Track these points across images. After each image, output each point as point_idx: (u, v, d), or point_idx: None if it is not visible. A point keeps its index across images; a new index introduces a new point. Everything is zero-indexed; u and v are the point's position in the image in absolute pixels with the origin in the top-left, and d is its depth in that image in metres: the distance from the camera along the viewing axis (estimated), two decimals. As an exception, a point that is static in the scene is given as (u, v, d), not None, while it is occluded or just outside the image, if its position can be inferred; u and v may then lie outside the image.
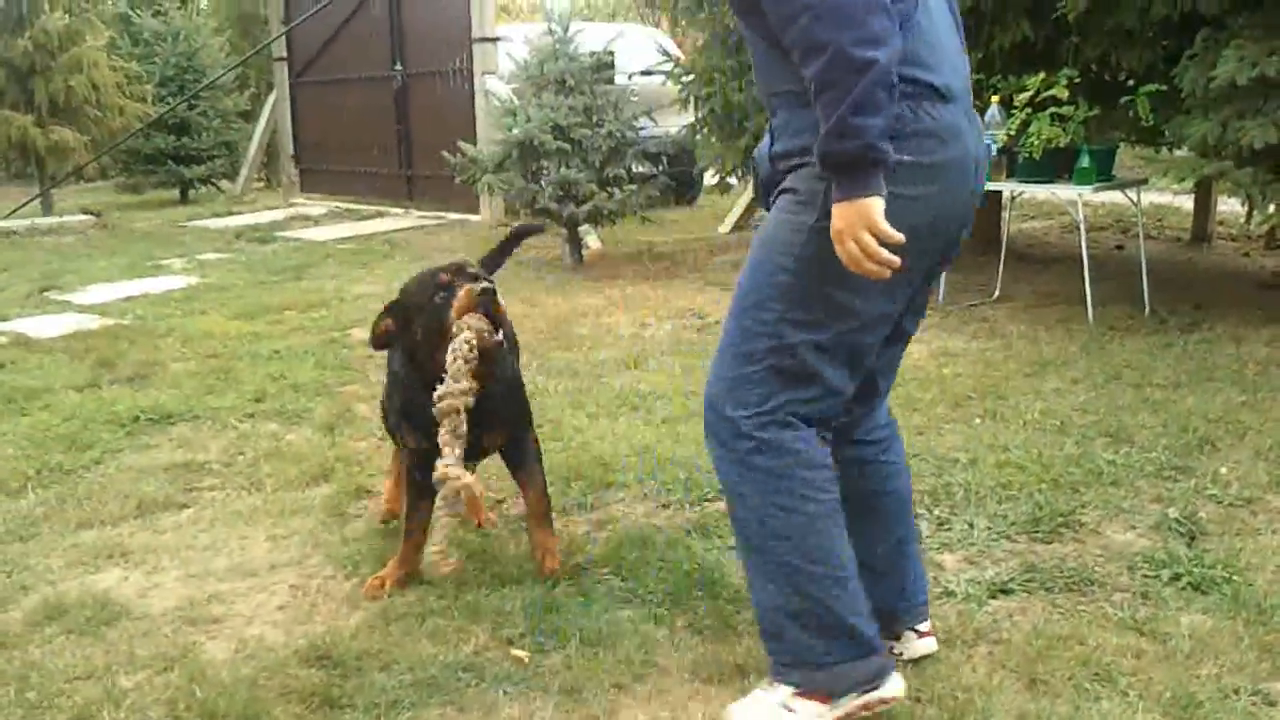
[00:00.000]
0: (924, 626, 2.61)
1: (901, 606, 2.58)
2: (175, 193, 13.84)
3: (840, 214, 2.01)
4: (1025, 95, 5.84)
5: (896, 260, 2.01)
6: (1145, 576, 2.99)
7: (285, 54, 13.10)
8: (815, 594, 2.25)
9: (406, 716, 2.41)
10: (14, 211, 10.44)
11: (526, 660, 2.62)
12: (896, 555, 2.58)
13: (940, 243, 2.23)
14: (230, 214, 11.94)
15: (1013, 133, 5.92)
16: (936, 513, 3.43)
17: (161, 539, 3.40)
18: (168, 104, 13.15)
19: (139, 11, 14.62)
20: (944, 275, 6.33)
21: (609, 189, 7.72)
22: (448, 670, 2.58)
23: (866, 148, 1.93)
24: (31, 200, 11.50)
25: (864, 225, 1.99)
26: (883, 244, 2.00)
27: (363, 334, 5.95)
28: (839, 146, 1.94)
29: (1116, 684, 2.47)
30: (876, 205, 1.98)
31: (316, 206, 12.36)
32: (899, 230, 2.01)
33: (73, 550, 3.32)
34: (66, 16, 12.17)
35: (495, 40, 10.35)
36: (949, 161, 2.14)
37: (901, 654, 2.56)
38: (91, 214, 11.53)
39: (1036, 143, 5.75)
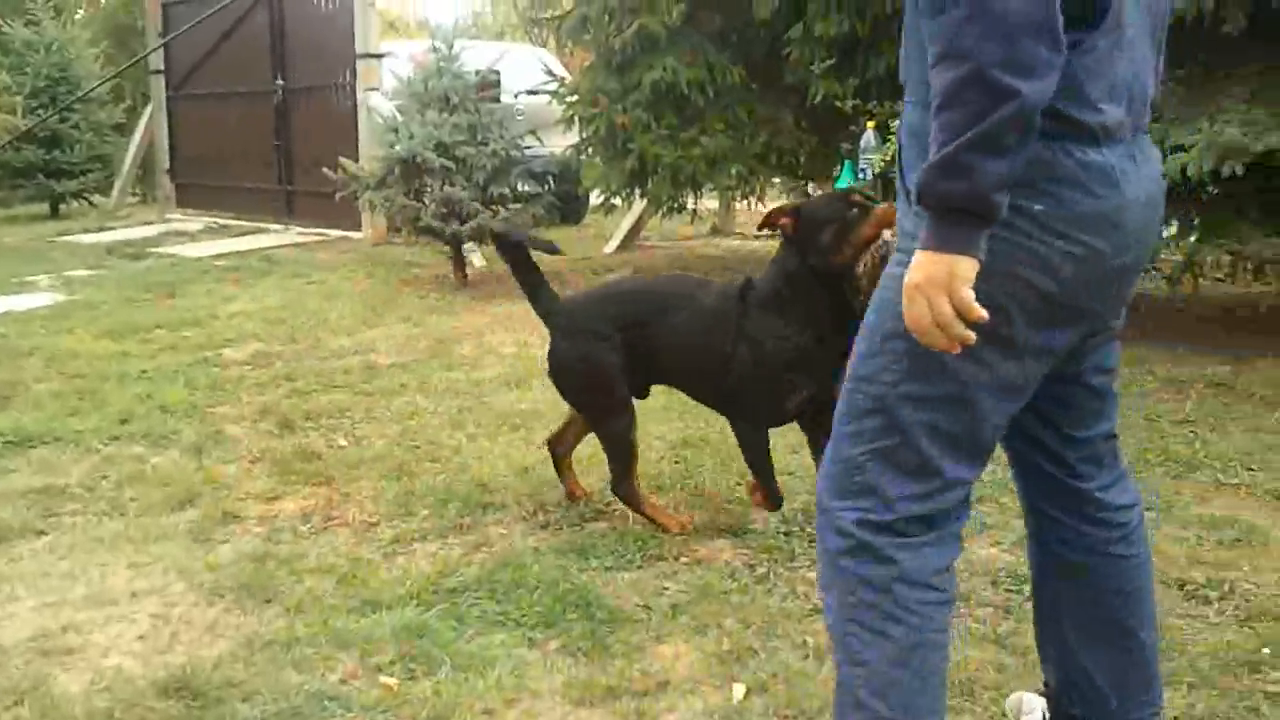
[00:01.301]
0: None
1: None
2: (45, 207, 13.39)
3: (920, 265, 1.64)
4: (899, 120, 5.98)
5: (972, 336, 1.65)
6: (1008, 591, 3.07)
7: (163, 67, 12.78)
8: None
9: (269, 748, 2.36)
10: None
11: (395, 687, 2.58)
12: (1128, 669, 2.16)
13: (1080, 309, 1.82)
14: (103, 229, 11.57)
15: (888, 158, 6.05)
16: (810, 530, 3.46)
17: (16, 567, 3.26)
18: (39, 116, 12.71)
19: (9, 21, 14.11)
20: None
21: (493, 207, 7.69)
22: (313, 699, 2.52)
23: (975, 195, 1.57)
24: None
25: (945, 288, 1.62)
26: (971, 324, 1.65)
27: (236, 353, 5.84)
28: (944, 184, 1.59)
29: (979, 698, 2.53)
30: (967, 267, 1.61)
31: (193, 222, 12.07)
32: (1025, 290, 1.72)
33: (-81, 580, 3.17)
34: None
35: (380, 56, 10.25)
36: (1094, 215, 1.73)
37: None
38: (-47, 229, 11.09)
39: (912, 168, 5.88)
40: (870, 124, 6.13)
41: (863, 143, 6.13)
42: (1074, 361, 1.95)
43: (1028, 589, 3.01)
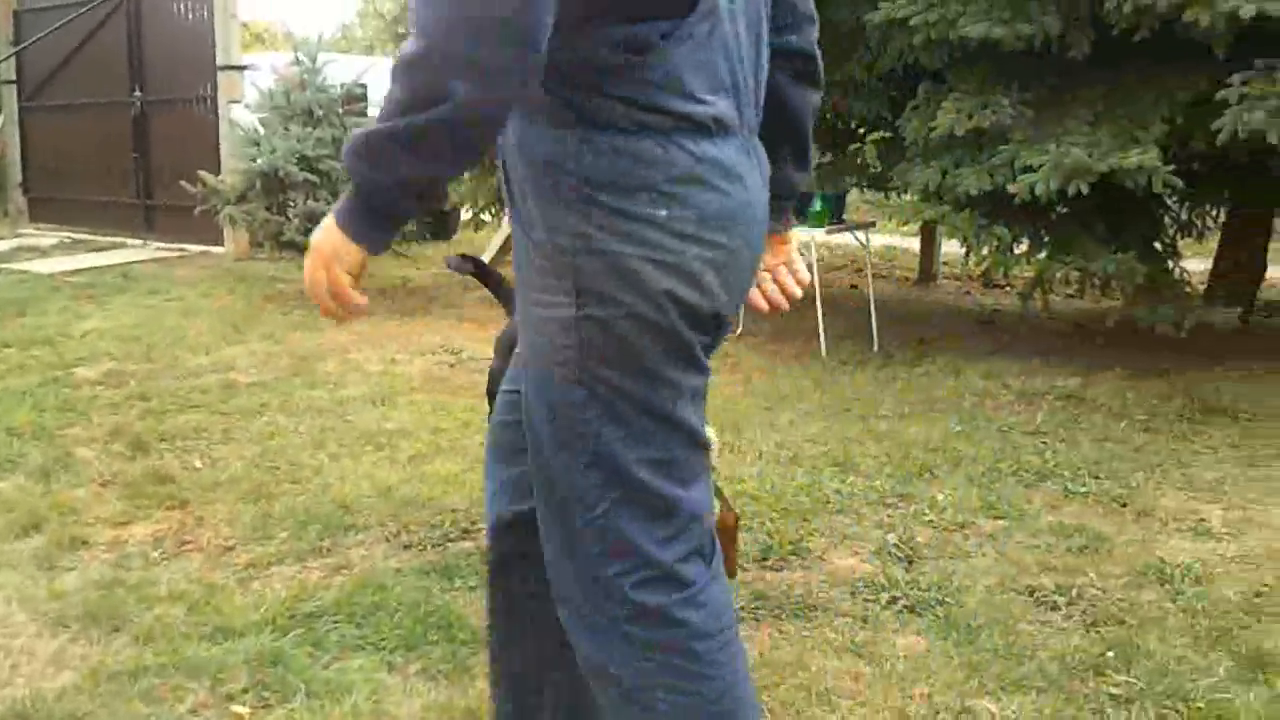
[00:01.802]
0: None
1: None
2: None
3: (325, 229, 1.55)
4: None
5: (356, 303, 1.58)
6: (866, 600, 3.14)
7: (14, 77, 12.29)
8: None
9: (112, 783, 2.27)
10: None
11: (247, 717, 2.51)
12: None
13: (724, 314, 1.70)
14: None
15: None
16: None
17: None
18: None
19: None
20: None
21: (359, 223, 7.59)
22: (161, 732, 2.44)
23: (378, 185, 1.49)
24: None
25: (327, 263, 1.55)
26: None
27: (88, 372, 5.64)
28: (357, 161, 1.48)
29: (836, 708, 2.58)
30: (353, 253, 1.53)
31: (47, 237, 11.62)
32: (655, 296, 1.58)
33: None
34: None
35: (242, 69, 10.03)
36: (722, 213, 1.61)
37: None
38: None
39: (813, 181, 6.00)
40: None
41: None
42: None
43: (884, 597, 3.11)
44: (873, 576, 3.28)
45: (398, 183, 1.48)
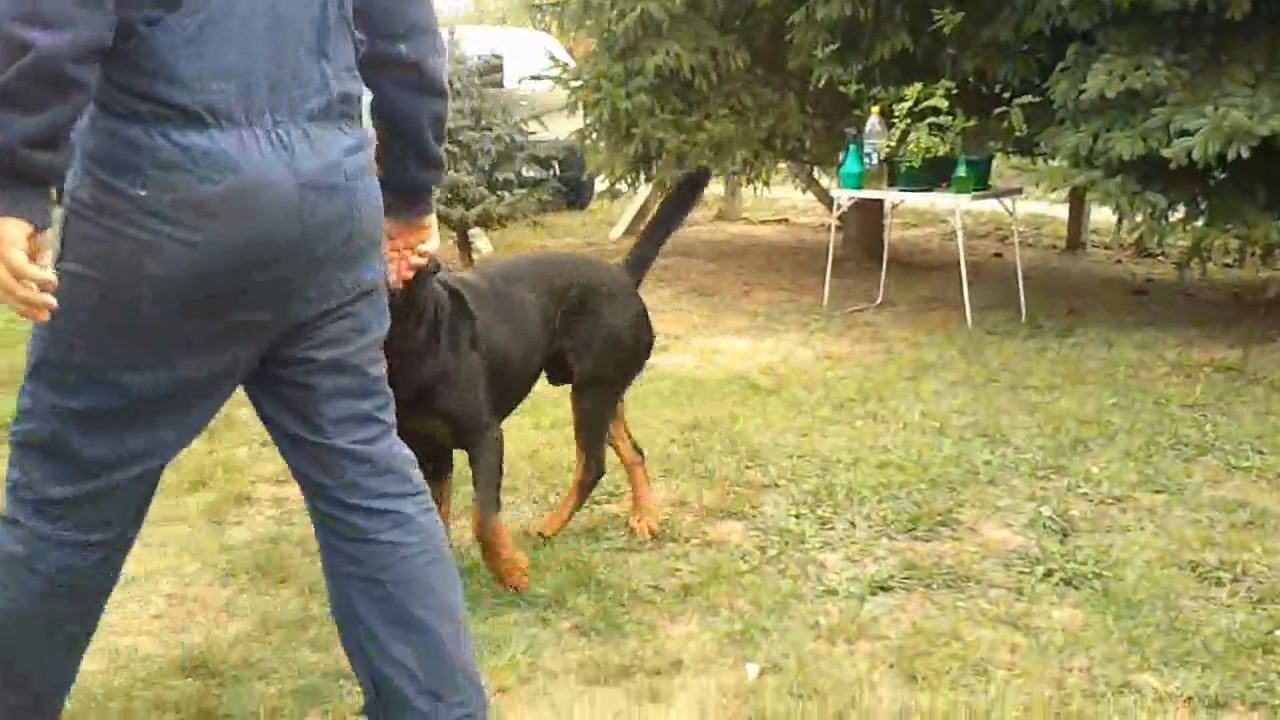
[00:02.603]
0: None
1: None
2: None
3: None
4: (905, 105, 5.98)
5: (46, 303, 1.60)
6: (1020, 573, 3.08)
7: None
8: None
9: (286, 725, 2.37)
10: None
11: (410, 666, 2.59)
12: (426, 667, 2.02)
13: (225, 294, 1.75)
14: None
15: (893, 143, 6.06)
16: (820, 512, 3.48)
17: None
18: None
19: None
20: (827, 281, 6.47)
21: (499, 193, 7.69)
22: (329, 679, 2.53)
23: (14, 152, 1.53)
24: None
25: (6, 245, 1.56)
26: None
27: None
28: None
29: (992, 678, 2.54)
30: (13, 229, 1.55)
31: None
32: (139, 280, 1.68)
33: (-67, 562, 3.17)
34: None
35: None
36: (206, 199, 1.67)
37: None
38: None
39: (916, 152, 5.89)
40: (875, 109, 6.13)
41: (868, 127, 6.14)
42: (292, 347, 1.88)
43: (1039, 570, 3.05)
44: (1026, 549, 3.22)
45: (13, 141, 1.53)
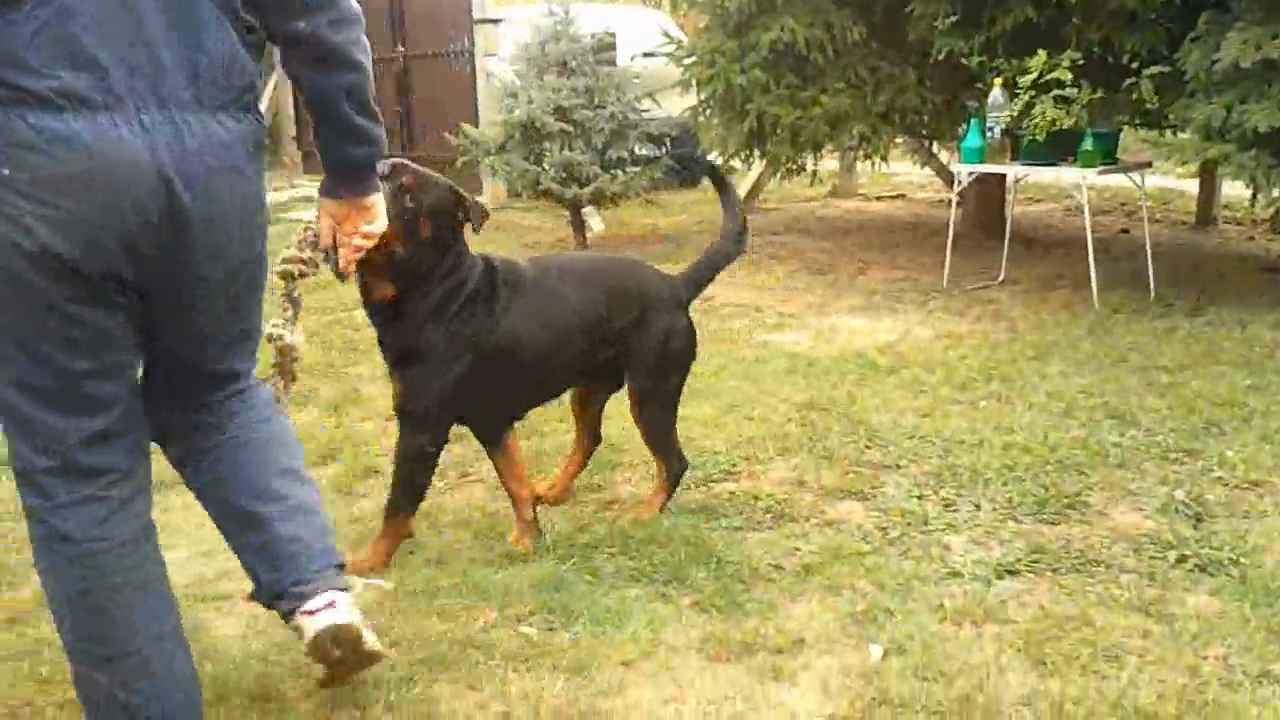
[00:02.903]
0: (313, 604, 2.21)
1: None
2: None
3: None
4: (1028, 78, 5.83)
5: None
6: (1152, 558, 3.00)
7: (286, 35, 13.04)
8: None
9: (417, 692, 2.42)
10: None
11: (535, 638, 2.63)
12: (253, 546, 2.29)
13: (93, 266, 1.88)
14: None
15: (1016, 115, 5.91)
16: (943, 494, 3.44)
17: (170, 517, 3.39)
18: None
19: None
20: (947, 258, 6.36)
21: (612, 171, 7.70)
22: (457, 647, 2.58)
23: None
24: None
25: None
26: None
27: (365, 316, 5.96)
28: None
29: (1124, 664, 2.49)
30: None
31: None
32: (18, 254, 1.82)
33: (80, 529, 3.31)
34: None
35: (497, 22, 10.30)
36: (62, 178, 1.81)
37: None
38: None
39: (1041, 125, 5.74)
40: (998, 81, 5.99)
41: (990, 100, 6.00)
42: (172, 314, 2.06)
43: (1171, 555, 2.97)
44: (1158, 533, 3.13)
45: None
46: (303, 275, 2.50)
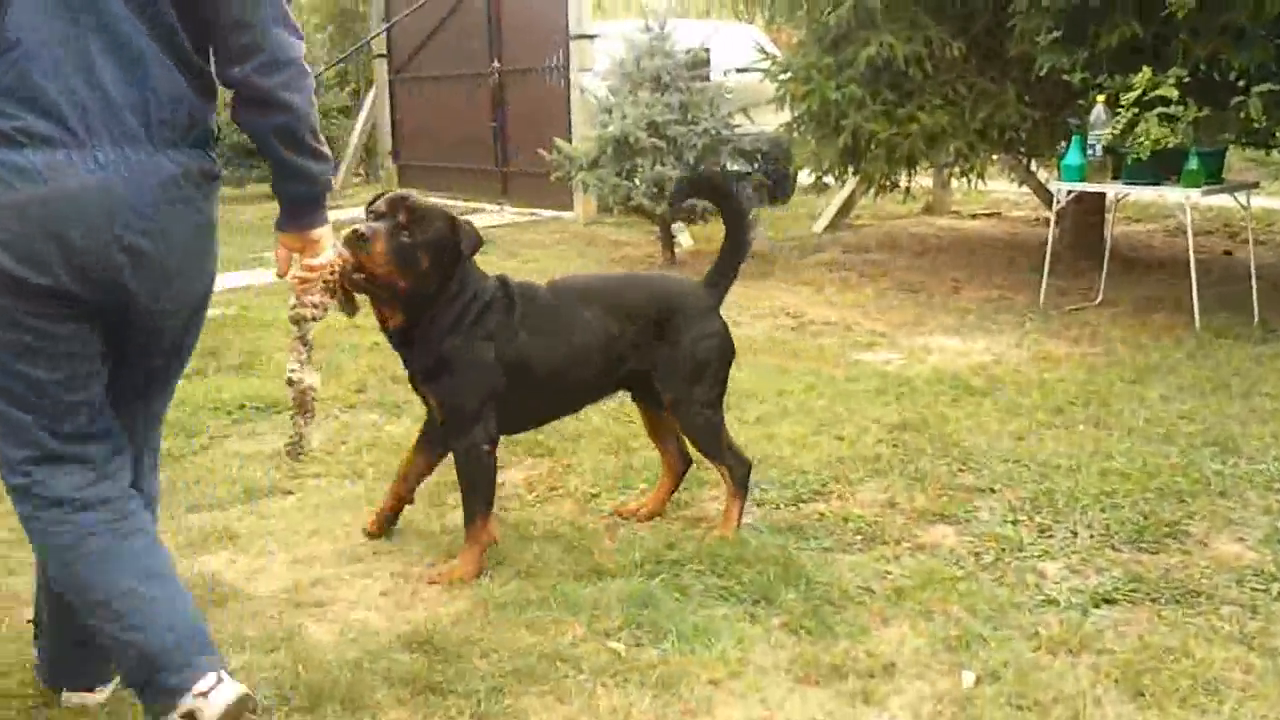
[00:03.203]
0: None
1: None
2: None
3: None
4: (1132, 94, 5.71)
5: None
6: (1254, 590, 2.92)
7: (385, 51, 13.31)
8: None
9: (506, 704, 2.45)
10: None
11: (623, 653, 2.64)
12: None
13: (49, 288, 2.06)
14: (329, 208, 12.10)
15: (1118, 132, 5.79)
16: (1038, 520, 3.38)
17: (267, 524, 3.48)
18: (270, 99, 13.40)
19: (244, 7, 14.91)
20: (1044, 277, 6.24)
21: (703, 187, 7.69)
22: (546, 660, 2.60)
23: None
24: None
25: None
26: None
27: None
28: None
29: (1224, 698, 2.43)
30: None
31: (412, 201, 12.50)
32: None
33: (183, 533, 3.41)
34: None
35: (592, 37, 10.39)
36: (19, 205, 2.01)
37: None
38: (196, 206, 11.81)
39: (1144, 143, 5.62)
40: (1100, 98, 5.88)
41: (1092, 117, 5.90)
42: (132, 338, 2.23)
43: (1275, 588, 2.89)
44: (1261, 565, 3.05)
45: None
46: (315, 319, 2.70)
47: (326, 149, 2.29)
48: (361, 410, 4.61)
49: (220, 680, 2.15)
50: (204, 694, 2.12)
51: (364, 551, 3.26)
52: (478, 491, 3.15)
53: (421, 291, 3.04)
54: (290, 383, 2.69)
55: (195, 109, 2.17)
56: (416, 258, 3.00)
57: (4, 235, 2.02)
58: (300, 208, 2.34)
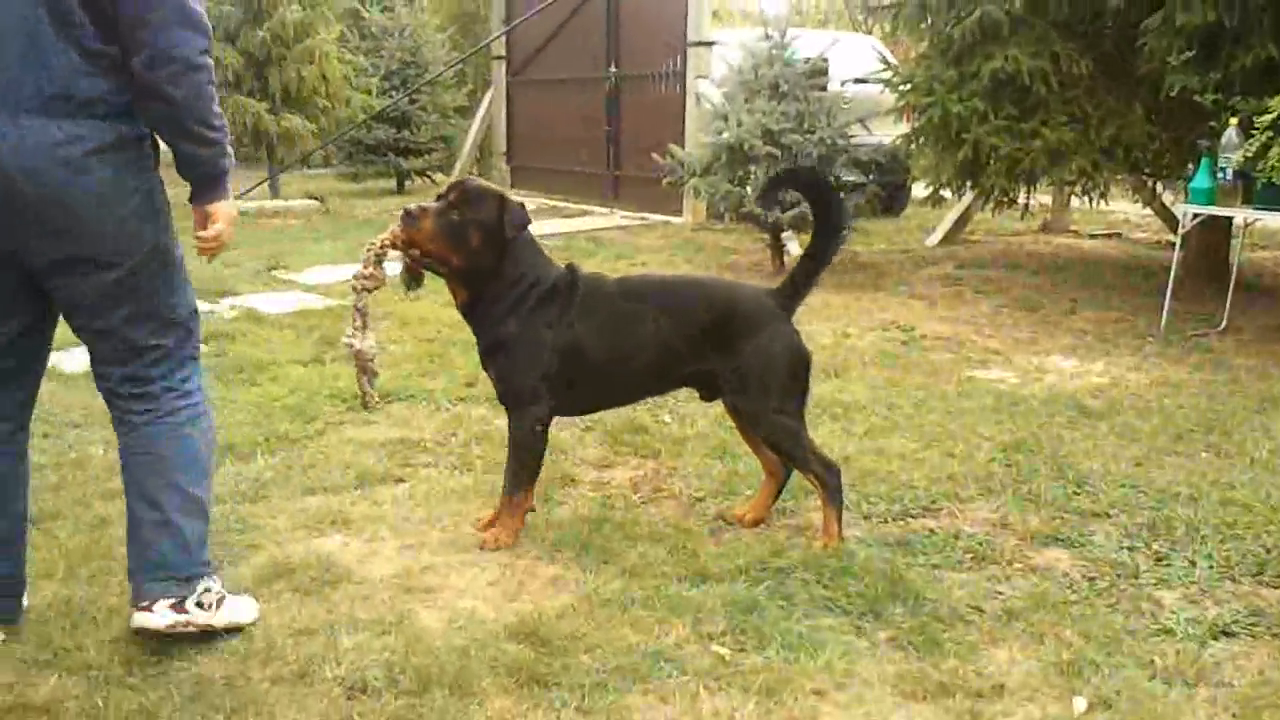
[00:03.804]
0: (142, 603, 2.65)
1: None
2: (392, 183, 14.40)
3: None
4: (1267, 118, 5.52)
5: None
6: None
7: (504, 53, 13.49)
8: None
9: (610, 700, 2.46)
10: (245, 193, 11.06)
11: (727, 657, 2.64)
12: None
13: None
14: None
15: (1250, 156, 5.61)
16: (1155, 547, 3.29)
17: (380, 510, 3.55)
18: (390, 97, 13.70)
19: (368, 7, 15.27)
20: (1167, 301, 6.08)
21: (817, 196, 7.63)
22: (650, 659, 2.61)
23: None
24: (261, 183, 12.18)
25: None
26: None
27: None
28: None
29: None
30: None
31: (526, 202, 12.58)
32: None
33: (298, 514, 3.50)
34: (301, 10, 12.83)
35: (710, 44, 10.40)
36: None
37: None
38: (315, 199, 12.11)
39: (1277, 167, 5.43)
40: (1233, 120, 5.71)
41: (1224, 139, 5.73)
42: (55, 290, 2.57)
43: None
44: None
45: None
46: (368, 289, 3.26)
47: (218, 135, 2.55)
48: (471, 404, 4.67)
49: None
50: None
51: (472, 542, 3.30)
52: (525, 466, 3.31)
53: (476, 268, 3.25)
54: (349, 347, 3.18)
55: (94, 85, 2.44)
56: (466, 234, 3.22)
57: None
58: (197, 186, 2.62)
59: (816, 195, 3.58)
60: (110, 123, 2.48)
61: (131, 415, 2.66)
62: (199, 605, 2.65)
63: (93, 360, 2.70)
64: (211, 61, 2.50)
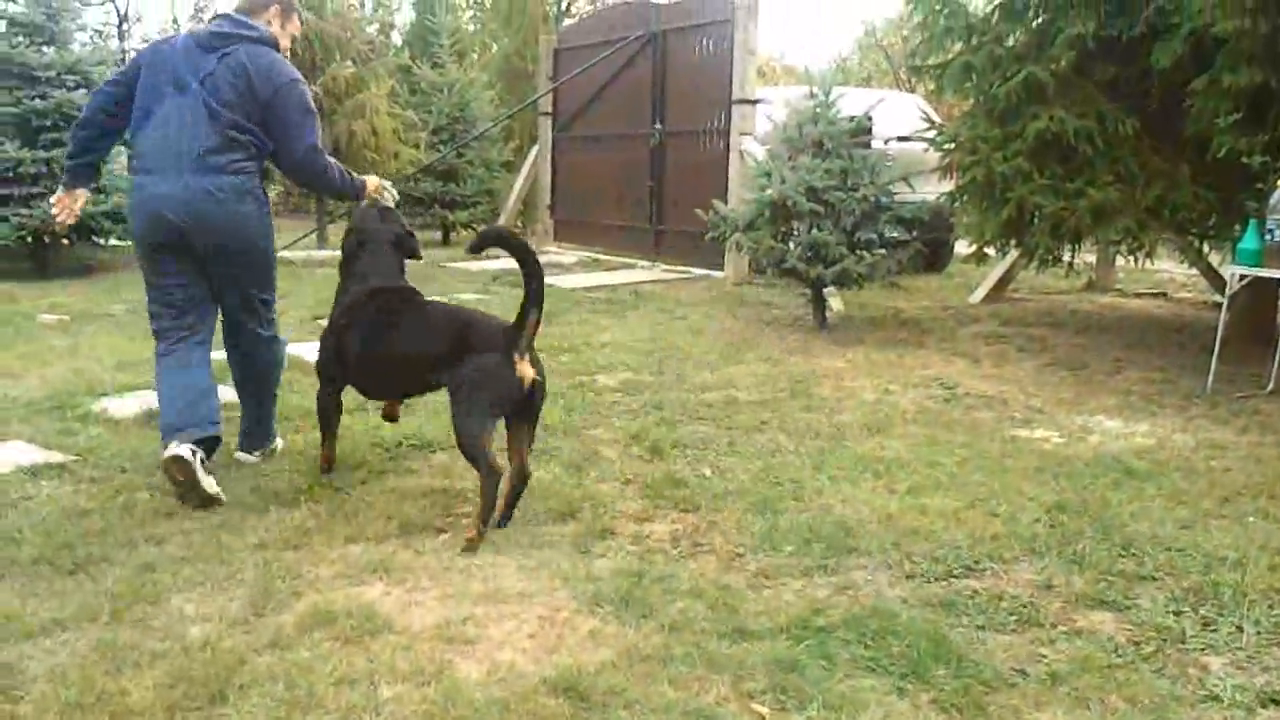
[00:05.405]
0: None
1: None
2: (438, 235, 14.58)
3: None
4: (1318, 179, 5.50)
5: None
6: None
7: (550, 109, 13.66)
8: None
9: (648, 757, 2.44)
10: (293, 244, 11.22)
11: (768, 716, 2.62)
12: None
13: (147, 239, 4.21)
14: (488, 258, 12.42)
15: (1301, 218, 5.58)
16: (1202, 612, 3.24)
17: (421, 559, 3.56)
18: (438, 151, 13.90)
19: (419, 63, 15.56)
20: (1214, 362, 6.01)
21: (859, 252, 7.67)
22: (689, 717, 2.60)
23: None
24: (309, 234, 12.37)
25: None
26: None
27: (608, 380, 6.14)
28: None
29: None
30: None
31: (568, 255, 12.77)
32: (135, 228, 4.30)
33: (340, 562, 3.52)
34: (354, 65, 13.08)
35: (755, 102, 10.49)
36: (140, 204, 4.20)
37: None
38: (362, 250, 12.26)
39: (1327, 229, 5.40)
40: (1279, 181, 5.69)
41: (1272, 201, 5.70)
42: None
43: None
44: None
45: (67, 155, 4.64)
46: None
47: (343, 189, 4.47)
48: (513, 455, 4.69)
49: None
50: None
51: (511, 593, 3.31)
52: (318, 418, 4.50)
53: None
54: None
55: (232, 152, 4.15)
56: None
57: (137, 221, 4.22)
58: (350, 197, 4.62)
59: (513, 251, 3.95)
60: (242, 177, 4.19)
61: (244, 331, 4.45)
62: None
63: (224, 311, 4.40)
64: (328, 160, 4.29)
